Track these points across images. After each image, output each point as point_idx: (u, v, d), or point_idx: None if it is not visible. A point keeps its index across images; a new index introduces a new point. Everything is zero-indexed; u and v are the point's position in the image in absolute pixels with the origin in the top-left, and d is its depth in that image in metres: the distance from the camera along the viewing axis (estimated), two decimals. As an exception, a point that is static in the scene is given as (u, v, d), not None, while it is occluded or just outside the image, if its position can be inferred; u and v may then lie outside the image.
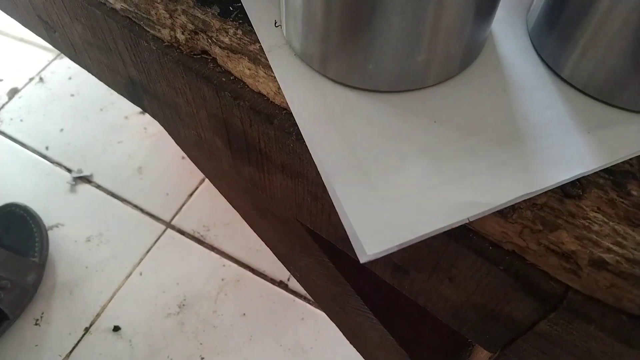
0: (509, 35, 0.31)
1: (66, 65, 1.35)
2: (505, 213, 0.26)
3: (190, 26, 0.33)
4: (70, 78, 1.33)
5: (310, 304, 1.04)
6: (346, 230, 0.25)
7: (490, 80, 0.29)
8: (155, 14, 0.33)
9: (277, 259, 0.56)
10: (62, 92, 1.32)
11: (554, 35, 0.29)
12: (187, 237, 1.12)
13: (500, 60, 0.30)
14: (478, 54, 0.30)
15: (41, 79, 1.34)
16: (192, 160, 0.50)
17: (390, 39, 0.26)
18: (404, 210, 0.25)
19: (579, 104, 0.29)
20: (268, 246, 0.54)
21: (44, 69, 1.36)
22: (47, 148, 1.23)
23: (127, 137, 1.22)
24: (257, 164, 0.36)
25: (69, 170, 1.20)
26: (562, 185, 0.26)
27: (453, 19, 0.26)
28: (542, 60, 0.30)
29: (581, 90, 0.29)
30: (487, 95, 0.29)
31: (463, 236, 0.26)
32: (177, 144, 0.49)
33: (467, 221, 0.25)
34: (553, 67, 0.30)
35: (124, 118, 1.24)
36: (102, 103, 1.27)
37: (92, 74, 0.49)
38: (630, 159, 0.27)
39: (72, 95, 1.31)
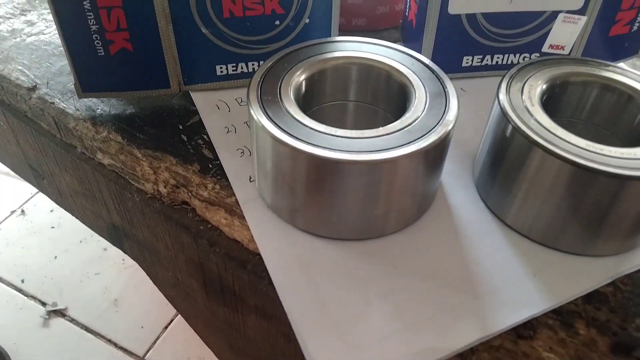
0: (457, 185, 0.35)
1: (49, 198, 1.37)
2: (465, 355, 0.27)
3: (172, 181, 0.36)
4: (52, 210, 1.35)
5: None
6: (314, 378, 0.26)
7: (442, 227, 0.32)
8: (140, 170, 0.37)
9: (253, 398, 0.55)
10: (43, 224, 1.33)
11: (496, 186, 0.33)
12: (162, 372, 1.07)
13: (450, 209, 0.34)
14: (431, 204, 0.34)
15: (23, 212, 1.36)
16: (168, 299, 0.51)
17: (350, 197, 0.29)
18: (370, 359, 0.26)
19: (524, 248, 0.32)
20: (244, 385, 0.53)
21: (26, 202, 1.39)
22: (22, 281, 1.21)
23: (105, 268, 1.22)
24: (232, 306, 0.37)
25: (44, 304, 1.17)
26: (515, 326, 0.28)
27: (405, 180, 0.29)
28: (488, 208, 0.34)
29: (525, 235, 0.32)
30: (441, 242, 0.32)
31: (428, 379, 0.27)
32: (155, 284, 0.50)
33: (429, 365, 0.26)
34: (498, 214, 0.33)
35: (103, 250, 1.24)
36: (82, 235, 1.28)
37: (76, 217, 0.52)
38: (575, 299, 0.30)
39: (53, 227, 1.32)
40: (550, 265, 0.31)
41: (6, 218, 1.35)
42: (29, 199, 1.40)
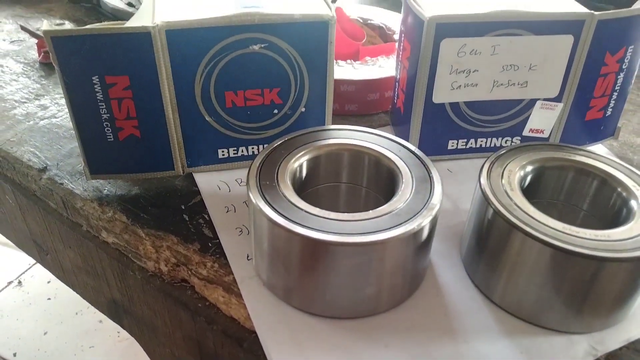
0: (445, 264, 0.37)
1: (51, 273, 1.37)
2: None
3: (173, 260, 0.37)
4: (49, 282, 1.35)
5: None
6: None
7: (432, 306, 0.34)
8: (143, 249, 0.38)
9: None
10: (40, 295, 1.32)
11: (482, 266, 0.34)
12: None
13: (440, 287, 0.35)
14: (421, 282, 0.35)
15: (20, 283, 1.36)
16: (165, 375, 0.51)
17: (343, 277, 0.31)
18: None
19: (511, 326, 0.33)
20: None
21: (23, 272, 1.39)
22: (14, 355, 1.19)
23: (100, 341, 1.20)
24: (228, 384, 0.38)
25: (34, 379, 1.15)
26: (503, 405, 0.29)
27: (394, 261, 0.31)
28: (476, 286, 0.35)
29: (512, 313, 0.33)
30: (431, 320, 0.33)
31: None
32: (152, 360, 0.50)
33: None
34: (485, 292, 0.35)
35: (99, 322, 1.23)
36: (78, 306, 1.27)
37: (76, 292, 0.53)
38: (562, 378, 0.30)
39: (49, 298, 1.31)
40: (537, 343, 0.32)
41: (3, 289, 1.34)
42: (26, 270, 1.40)
